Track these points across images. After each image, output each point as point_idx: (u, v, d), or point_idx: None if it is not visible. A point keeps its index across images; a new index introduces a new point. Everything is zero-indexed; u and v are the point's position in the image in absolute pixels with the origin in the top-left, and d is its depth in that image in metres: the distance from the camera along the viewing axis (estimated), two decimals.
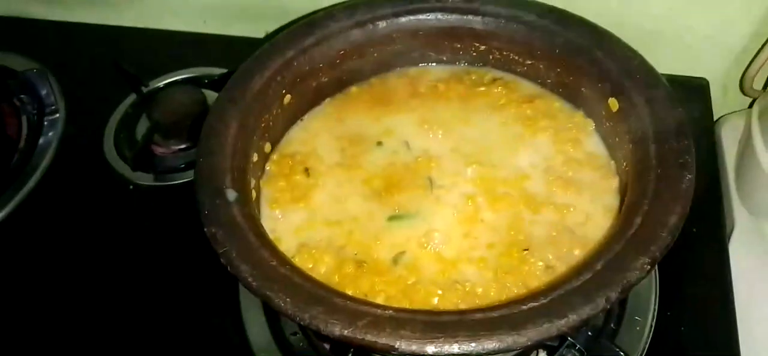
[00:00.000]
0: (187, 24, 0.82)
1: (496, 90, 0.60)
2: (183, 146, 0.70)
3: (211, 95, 0.70)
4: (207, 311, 0.58)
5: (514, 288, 0.47)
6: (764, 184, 0.61)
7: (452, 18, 0.59)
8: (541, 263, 0.48)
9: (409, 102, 0.60)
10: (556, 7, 0.57)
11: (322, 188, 0.54)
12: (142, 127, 0.71)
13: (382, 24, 0.58)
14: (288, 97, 0.57)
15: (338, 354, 0.53)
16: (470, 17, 0.58)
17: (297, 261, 0.48)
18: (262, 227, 0.48)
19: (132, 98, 0.74)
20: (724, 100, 0.74)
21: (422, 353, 0.38)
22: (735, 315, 0.54)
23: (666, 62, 0.55)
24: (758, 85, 0.70)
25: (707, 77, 0.71)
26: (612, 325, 0.53)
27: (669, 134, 0.47)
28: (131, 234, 0.64)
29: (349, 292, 0.45)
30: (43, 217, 0.66)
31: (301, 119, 0.60)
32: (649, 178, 0.45)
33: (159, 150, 0.70)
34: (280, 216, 0.53)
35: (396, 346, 0.38)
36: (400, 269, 0.49)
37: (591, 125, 0.56)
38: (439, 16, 0.59)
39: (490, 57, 0.60)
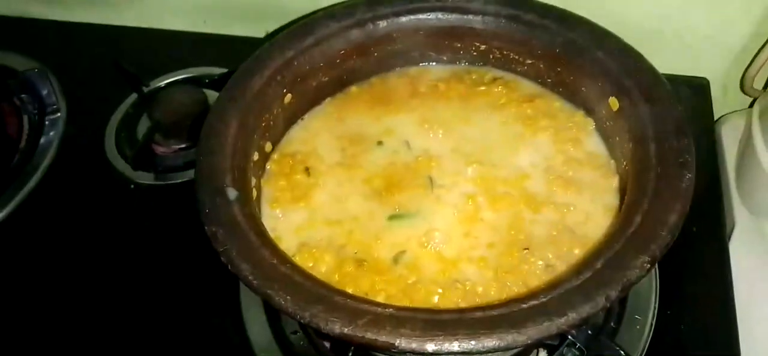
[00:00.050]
0: (188, 24, 0.82)
1: (496, 89, 0.60)
2: (183, 146, 0.70)
3: (211, 95, 0.70)
4: (208, 310, 0.58)
5: (515, 287, 0.47)
6: (764, 183, 0.61)
7: (452, 17, 0.59)
8: (541, 263, 0.48)
9: (409, 102, 0.60)
10: (556, 6, 0.57)
11: (323, 188, 0.54)
12: (143, 126, 0.72)
13: (382, 23, 0.58)
14: (288, 96, 0.57)
15: (339, 352, 0.53)
16: (470, 17, 0.58)
17: (297, 260, 0.48)
18: (263, 226, 0.48)
19: (133, 97, 0.75)
20: (724, 99, 0.74)
21: (422, 351, 0.38)
22: (735, 314, 0.54)
23: (666, 62, 0.55)
24: (758, 84, 0.70)
25: (708, 77, 0.71)
26: (612, 324, 0.53)
27: (669, 133, 0.47)
28: (132, 233, 0.64)
29: (350, 291, 0.45)
30: (44, 217, 0.67)
31: (302, 119, 0.60)
32: (649, 177, 0.45)
33: (160, 149, 0.70)
34: (280, 215, 0.53)
35: (396, 344, 0.38)
36: (400, 268, 0.49)
37: (591, 124, 0.56)
38: (440, 15, 0.59)
39: (491, 56, 0.60)
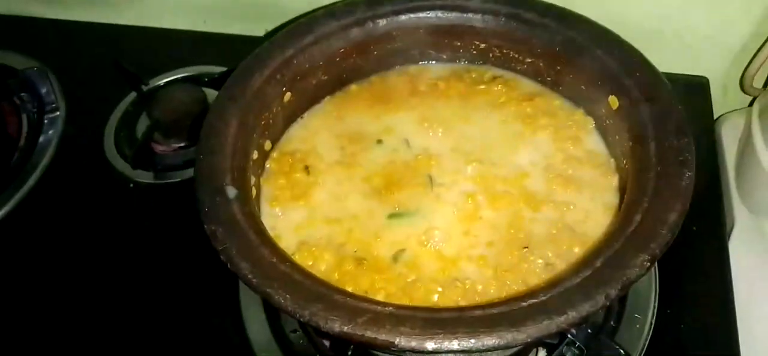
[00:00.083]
0: (187, 23, 0.82)
1: (496, 88, 0.60)
2: (183, 144, 0.70)
3: (211, 94, 0.70)
4: (207, 309, 0.58)
5: (514, 286, 0.47)
6: (764, 182, 0.61)
7: (452, 16, 0.59)
8: (540, 261, 0.48)
9: (409, 100, 0.60)
10: (556, 5, 0.57)
11: (322, 186, 0.54)
12: (142, 125, 0.72)
13: (382, 22, 0.58)
14: (288, 95, 0.57)
15: (338, 351, 0.53)
16: (470, 15, 0.58)
17: (297, 259, 0.48)
18: (262, 224, 0.48)
19: (132, 96, 0.75)
20: (724, 98, 0.74)
21: (422, 349, 0.38)
22: (735, 313, 0.54)
23: (666, 61, 0.55)
24: (758, 83, 0.70)
25: (707, 76, 0.71)
26: (612, 323, 0.53)
27: (669, 131, 0.47)
28: (131, 232, 0.64)
29: (349, 290, 0.45)
30: (43, 215, 0.67)
31: (301, 117, 0.60)
32: (649, 175, 0.45)
33: (159, 148, 0.70)
34: (280, 214, 0.53)
35: (395, 342, 0.38)
36: (400, 266, 0.49)
37: (591, 122, 0.56)
38: (440, 14, 0.59)
39: (491, 55, 0.60)
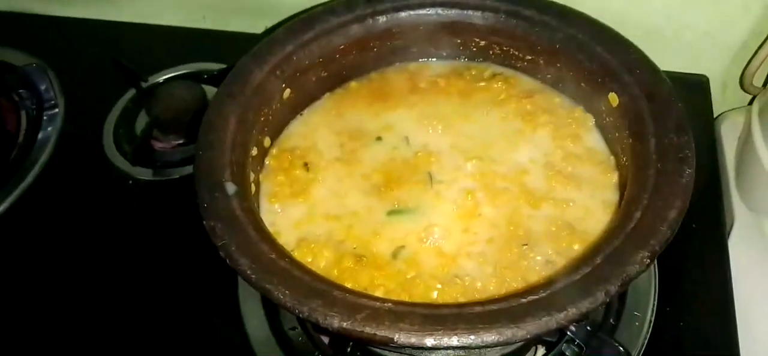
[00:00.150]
0: (187, 19, 0.82)
1: (496, 85, 0.60)
2: (182, 141, 0.70)
3: (210, 90, 0.70)
4: (205, 305, 0.58)
5: (514, 283, 0.47)
6: (764, 181, 0.61)
7: (452, 13, 0.59)
8: (540, 258, 0.48)
9: (408, 97, 0.60)
10: (556, 2, 0.57)
11: (322, 183, 0.54)
12: (142, 122, 0.71)
13: (381, 19, 0.58)
14: (287, 91, 0.56)
15: (337, 348, 0.53)
16: (470, 12, 0.58)
17: (296, 255, 0.48)
18: (262, 221, 0.48)
19: (131, 93, 0.74)
20: (723, 97, 0.74)
21: (421, 345, 0.38)
22: (734, 311, 0.54)
23: (666, 60, 0.55)
24: (758, 82, 0.70)
25: (707, 74, 0.71)
26: (611, 321, 0.53)
27: (669, 128, 0.47)
28: (130, 229, 0.64)
29: (349, 286, 0.45)
30: (41, 212, 0.66)
31: (301, 114, 0.59)
32: (648, 173, 0.45)
33: (158, 145, 0.70)
34: (279, 210, 0.53)
35: (395, 339, 0.38)
36: (399, 263, 0.48)
37: (591, 120, 0.56)
38: (440, 11, 0.58)
39: (491, 52, 0.60)
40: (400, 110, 0.59)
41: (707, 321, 0.55)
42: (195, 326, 0.57)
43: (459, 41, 0.61)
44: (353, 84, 0.61)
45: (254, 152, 0.53)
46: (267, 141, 0.56)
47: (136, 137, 0.69)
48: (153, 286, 0.60)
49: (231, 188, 0.47)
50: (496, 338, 0.38)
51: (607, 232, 0.47)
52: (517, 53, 0.59)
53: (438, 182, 0.53)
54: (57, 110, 0.74)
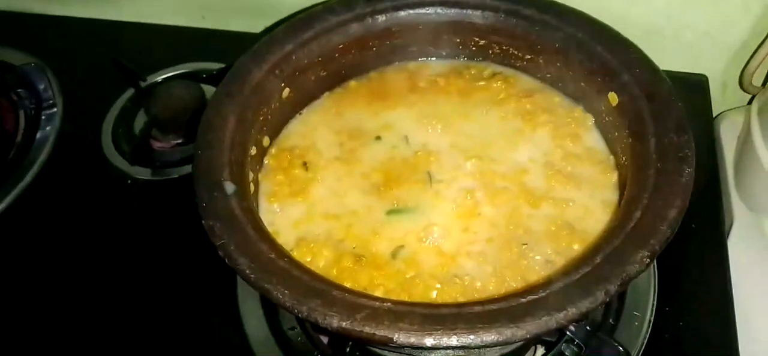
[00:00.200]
0: (186, 19, 0.82)
1: (495, 85, 0.60)
2: (181, 141, 0.70)
3: (209, 90, 0.70)
4: (205, 305, 0.58)
5: (513, 283, 0.47)
6: (763, 180, 0.61)
7: (452, 12, 0.58)
8: (539, 258, 0.48)
9: (408, 96, 0.60)
10: (556, 1, 0.57)
11: (321, 182, 0.54)
12: (140, 121, 0.71)
13: (381, 18, 0.58)
14: (287, 90, 0.56)
15: (336, 347, 0.53)
16: (470, 12, 0.58)
17: (295, 255, 0.48)
18: (261, 220, 0.47)
19: (130, 92, 0.74)
20: (723, 96, 0.74)
21: (421, 345, 0.38)
22: (733, 310, 0.54)
23: (665, 59, 0.55)
24: (757, 81, 0.70)
25: (707, 74, 0.71)
26: (610, 320, 0.53)
27: (669, 128, 0.47)
28: (129, 229, 0.64)
29: (348, 286, 0.45)
30: (40, 212, 0.66)
31: (300, 113, 0.59)
32: (648, 172, 0.45)
33: (157, 144, 0.70)
34: (278, 210, 0.53)
35: (394, 339, 0.38)
36: (398, 263, 0.48)
37: (590, 119, 0.56)
38: (439, 10, 0.58)
39: (490, 52, 0.60)
40: (400, 109, 0.59)
41: (707, 321, 0.55)
42: (194, 326, 0.57)
43: (458, 40, 0.61)
44: (352, 83, 0.61)
45: (253, 151, 0.53)
46: (266, 140, 0.56)
47: (135, 137, 0.69)
48: (152, 286, 0.59)
49: (230, 187, 0.46)
50: (496, 338, 0.38)
51: (606, 231, 0.47)
52: (516, 52, 0.59)
53: (437, 182, 0.53)
54: (55, 109, 0.74)
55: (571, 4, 0.56)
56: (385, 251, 0.49)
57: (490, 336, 0.38)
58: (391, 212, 0.51)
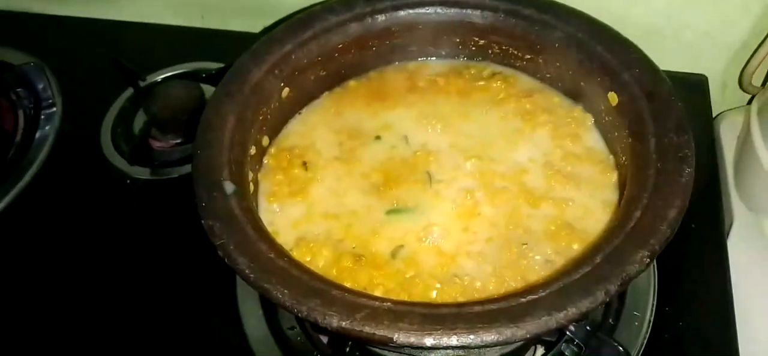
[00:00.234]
0: (185, 19, 0.82)
1: (495, 85, 0.59)
2: (180, 140, 0.70)
3: (208, 90, 0.70)
4: (204, 304, 0.58)
5: (513, 282, 0.47)
6: (763, 180, 0.61)
7: (452, 12, 0.58)
8: (539, 258, 0.48)
9: (407, 96, 0.60)
10: (556, 1, 0.57)
11: (321, 182, 0.54)
12: (140, 121, 0.71)
13: (380, 18, 0.58)
14: (286, 90, 0.56)
15: (336, 347, 0.53)
16: (469, 11, 0.58)
17: (295, 255, 0.48)
18: (260, 220, 0.47)
19: (129, 92, 0.74)
20: (723, 96, 0.74)
21: (420, 345, 0.38)
22: (733, 310, 0.54)
23: (665, 59, 0.55)
24: (757, 81, 0.70)
25: (706, 74, 0.71)
26: (610, 320, 0.53)
27: (669, 128, 0.47)
28: (128, 228, 0.64)
29: (348, 286, 0.45)
30: (39, 211, 0.66)
31: (300, 113, 0.59)
32: (648, 172, 0.45)
33: (156, 144, 0.70)
34: (278, 210, 0.53)
35: (394, 338, 0.38)
36: (398, 262, 0.48)
37: (590, 119, 0.56)
38: (439, 10, 0.58)
39: (490, 51, 0.60)
40: (399, 109, 0.59)
41: (706, 321, 0.55)
42: (193, 325, 0.57)
43: (458, 40, 0.61)
44: (352, 83, 0.61)
45: (253, 151, 0.53)
46: (265, 140, 0.56)
47: (134, 136, 0.69)
48: (151, 285, 0.59)
49: (229, 187, 0.46)
50: (496, 338, 0.38)
51: (606, 231, 0.47)
52: (516, 52, 0.59)
53: (437, 182, 0.53)
54: (55, 109, 0.74)
55: (571, 4, 0.56)
56: (385, 251, 0.49)
57: (490, 336, 0.38)
58: (390, 212, 0.51)
